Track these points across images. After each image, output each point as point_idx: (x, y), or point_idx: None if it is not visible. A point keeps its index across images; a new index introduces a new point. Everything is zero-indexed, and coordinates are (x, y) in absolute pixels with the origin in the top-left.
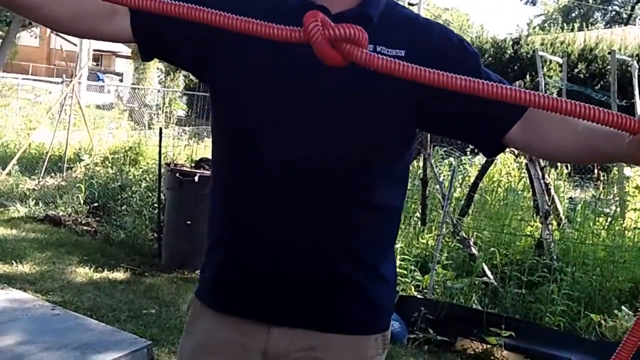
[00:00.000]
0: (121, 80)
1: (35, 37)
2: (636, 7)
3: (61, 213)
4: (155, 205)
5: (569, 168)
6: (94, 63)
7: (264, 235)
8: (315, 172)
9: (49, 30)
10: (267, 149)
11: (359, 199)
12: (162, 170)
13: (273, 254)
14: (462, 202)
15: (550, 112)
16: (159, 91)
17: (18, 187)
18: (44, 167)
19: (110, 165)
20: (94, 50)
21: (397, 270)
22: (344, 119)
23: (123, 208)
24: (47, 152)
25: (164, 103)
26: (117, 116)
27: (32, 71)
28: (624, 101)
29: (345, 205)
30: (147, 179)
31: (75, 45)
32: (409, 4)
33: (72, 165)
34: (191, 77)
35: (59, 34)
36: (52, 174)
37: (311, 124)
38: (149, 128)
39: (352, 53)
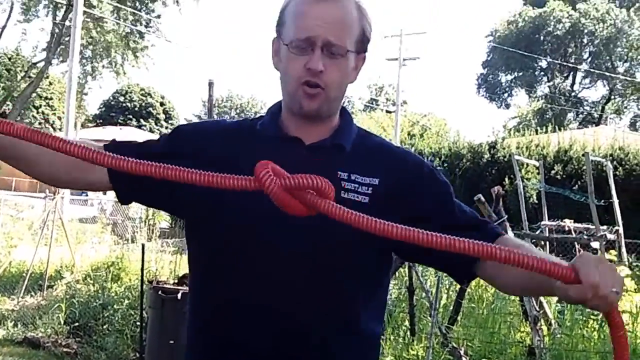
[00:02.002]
0: (105, 193)
1: None
2: (606, 107)
3: (40, 334)
4: (138, 323)
5: None
6: None
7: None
8: (296, 299)
9: None
10: (249, 279)
11: (339, 324)
12: (145, 287)
13: None
14: (451, 308)
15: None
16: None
17: None
18: (24, 286)
19: (92, 282)
20: None
21: None
22: (322, 249)
23: (104, 327)
24: (27, 270)
25: (147, 215)
26: (100, 230)
27: (15, 186)
28: (602, 201)
29: (325, 330)
30: (130, 296)
31: None
32: (387, 111)
33: (52, 284)
34: None
35: None
36: (32, 293)
37: (291, 257)
38: (132, 241)
39: (314, 203)
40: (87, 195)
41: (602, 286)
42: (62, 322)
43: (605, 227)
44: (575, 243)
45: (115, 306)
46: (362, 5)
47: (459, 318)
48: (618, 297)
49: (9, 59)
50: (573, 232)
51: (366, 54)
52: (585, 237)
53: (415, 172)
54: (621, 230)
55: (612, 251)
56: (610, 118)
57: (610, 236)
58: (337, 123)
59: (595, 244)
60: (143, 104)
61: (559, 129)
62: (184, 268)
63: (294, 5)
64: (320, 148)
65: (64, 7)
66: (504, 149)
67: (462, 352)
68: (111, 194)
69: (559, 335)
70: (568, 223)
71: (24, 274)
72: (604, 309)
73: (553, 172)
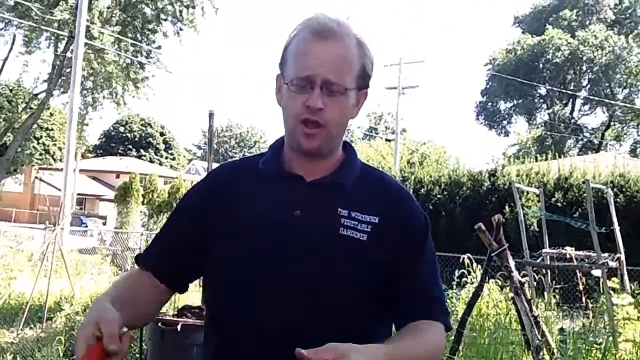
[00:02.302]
0: (104, 224)
1: (20, 184)
2: (606, 133)
3: None
4: (137, 356)
5: (557, 297)
6: (78, 207)
7: None
8: (297, 335)
9: (33, 176)
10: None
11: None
12: None
13: None
14: (452, 338)
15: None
16: (142, 234)
17: None
18: (24, 318)
19: None
20: (78, 194)
21: None
22: (322, 299)
23: None
24: (27, 302)
25: (147, 246)
26: (99, 261)
27: (15, 217)
28: (604, 228)
29: None
30: None
31: (59, 190)
32: (387, 139)
33: (52, 315)
34: None
35: (42, 179)
36: (32, 325)
37: (295, 302)
38: None
39: None
40: (86, 226)
41: None
42: (62, 354)
43: (606, 254)
44: (577, 271)
45: None
46: (363, 40)
47: (460, 348)
48: None
49: (11, 90)
50: (574, 260)
51: (368, 90)
52: (587, 264)
53: (408, 213)
54: (623, 258)
55: (614, 279)
56: (610, 144)
57: (612, 263)
58: (339, 159)
59: (596, 272)
60: (143, 134)
61: (559, 156)
62: (183, 300)
63: (295, 44)
64: (321, 185)
65: (66, 39)
66: (504, 176)
67: None
68: (111, 224)
69: None
70: (569, 251)
71: (24, 306)
72: None
73: (553, 199)
